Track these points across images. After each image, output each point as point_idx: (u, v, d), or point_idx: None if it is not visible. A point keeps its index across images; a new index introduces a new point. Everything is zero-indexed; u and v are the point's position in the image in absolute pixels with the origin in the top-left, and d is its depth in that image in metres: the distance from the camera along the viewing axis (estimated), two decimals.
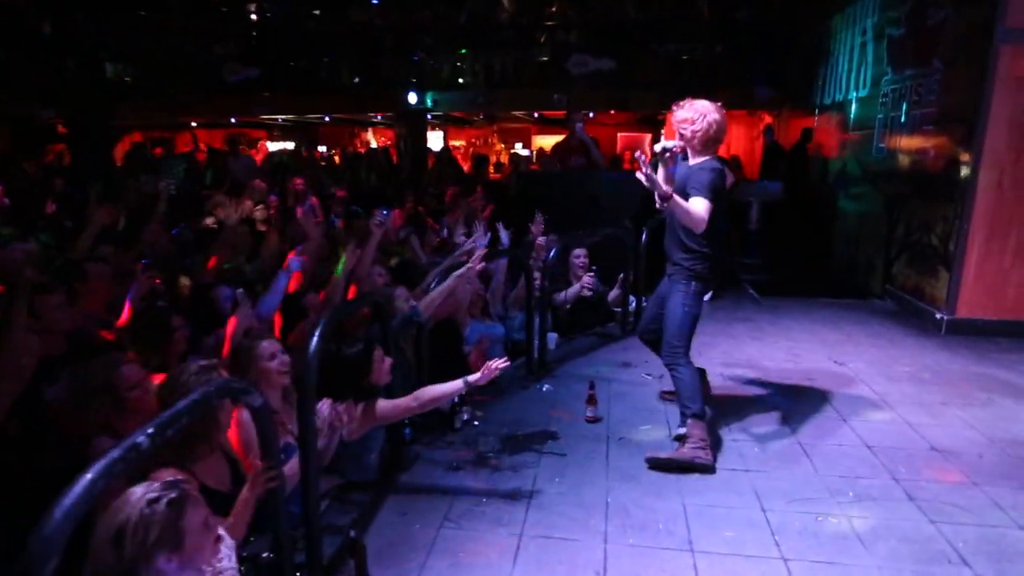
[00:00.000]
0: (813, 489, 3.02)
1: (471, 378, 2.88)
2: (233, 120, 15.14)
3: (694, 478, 3.11)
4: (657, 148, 3.43)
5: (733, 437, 3.55)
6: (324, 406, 2.54)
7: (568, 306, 5.28)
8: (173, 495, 1.55)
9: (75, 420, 2.25)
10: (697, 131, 3.19)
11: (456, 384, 2.92)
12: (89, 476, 1.30)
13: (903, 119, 6.14)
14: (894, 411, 3.87)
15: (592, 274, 5.23)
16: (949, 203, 5.29)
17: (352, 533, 2.46)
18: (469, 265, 3.87)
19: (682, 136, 3.26)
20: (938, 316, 5.34)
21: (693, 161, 3.27)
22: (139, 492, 1.54)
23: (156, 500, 1.51)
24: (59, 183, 6.84)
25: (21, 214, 7.01)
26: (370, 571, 2.43)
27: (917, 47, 5.90)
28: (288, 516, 2.24)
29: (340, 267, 3.59)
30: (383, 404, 2.88)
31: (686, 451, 3.16)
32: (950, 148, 5.33)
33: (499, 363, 2.84)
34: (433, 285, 3.90)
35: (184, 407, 1.60)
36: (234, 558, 1.87)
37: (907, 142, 6.08)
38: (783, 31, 10.47)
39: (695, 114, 3.20)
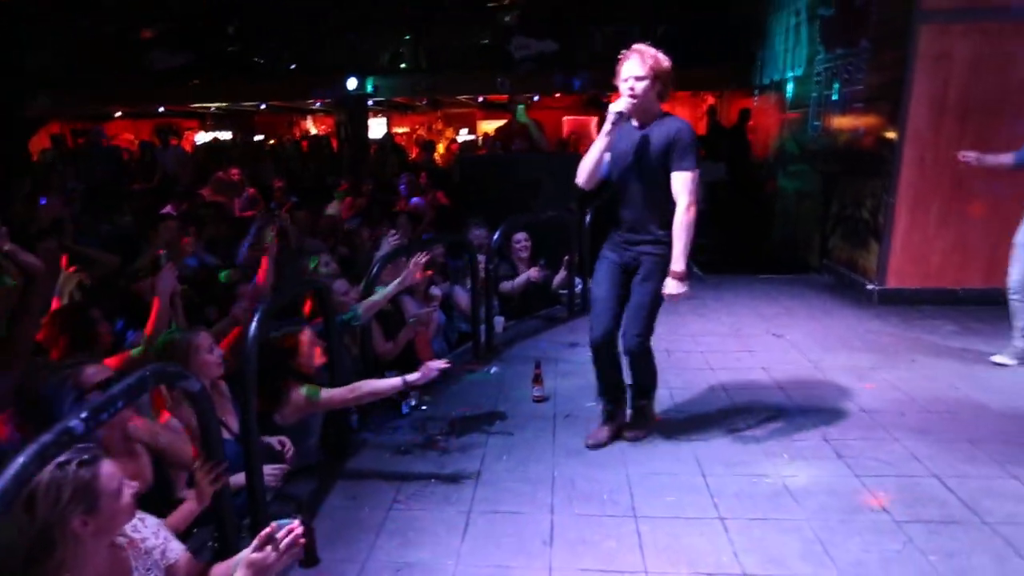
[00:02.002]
0: (750, 453, 3.21)
1: (410, 377, 2.99)
2: (162, 109, 14.65)
3: (638, 449, 3.27)
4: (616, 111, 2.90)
5: (677, 409, 3.73)
6: None
7: (515, 294, 5.39)
8: (84, 456, 1.56)
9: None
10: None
11: (395, 381, 3.03)
12: (21, 460, 1.33)
13: (835, 97, 6.46)
14: (827, 377, 4.13)
15: (539, 267, 5.34)
16: (878, 178, 5.61)
17: (299, 519, 2.51)
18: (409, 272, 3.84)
19: (634, 94, 2.88)
20: (870, 287, 5.67)
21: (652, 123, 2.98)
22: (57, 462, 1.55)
23: (67, 462, 1.52)
24: None
25: None
26: (320, 555, 2.49)
27: (846, 27, 6.21)
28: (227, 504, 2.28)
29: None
30: (318, 392, 2.93)
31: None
32: (877, 125, 5.65)
33: (439, 364, 3.01)
34: (375, 270, 3.92)
35: (118, 391, 1.63)
36: (163, 535, 1.90)
37: (839, 120, 6.41)
38: (723, 12, 10.76)
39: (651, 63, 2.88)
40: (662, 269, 3.00)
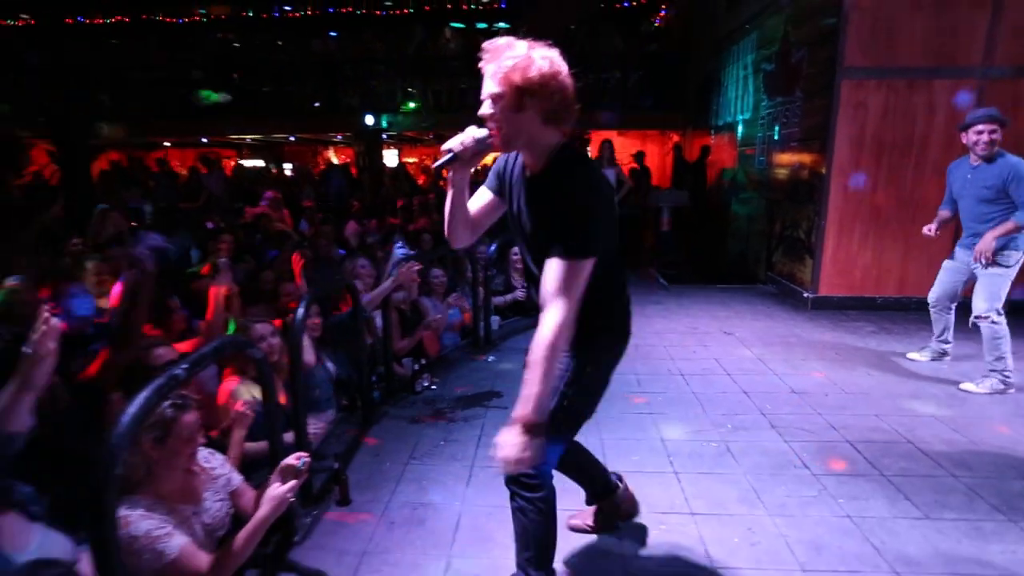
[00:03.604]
0: (701, 424, 3.45)
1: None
2: (204, 140, 14.87)
3: (610, 418, 3.50)
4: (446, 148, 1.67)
5: (642, 389, 3.96)
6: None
7: (504, 307, 5.58)
8: (178, 401, 1.82)
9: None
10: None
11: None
12: (144, 394, 1.57)
13: (776, 137, 6.76)
14: (766, 366, 4.37)
15: (523, 287, 5.54)
16: (811, 204, 5.89)
17: (336, 466, 2.75)
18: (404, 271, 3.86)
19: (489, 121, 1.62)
20: (805, 295, 5.95)
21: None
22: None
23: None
24: (55, 209, 6.83)
25: (8, 227, 6.88)
26: (351, 497, 2.72)
27: (784, 80, 6.52)
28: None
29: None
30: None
31: None
32: (810, 160, 5.94)
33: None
34: (389, 272, 4.14)
35: (208, 352, 1.87)
36: (228, 468, 2.11)
37: (780, 156, 6.70)
38: (685, 63, 11.14)
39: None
40: (574, 371, 1.77)
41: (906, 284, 5.62)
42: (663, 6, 12.52)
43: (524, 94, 1.53)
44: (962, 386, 3.86)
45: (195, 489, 1.98)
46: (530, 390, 1.57)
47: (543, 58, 1.54)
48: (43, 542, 1.62)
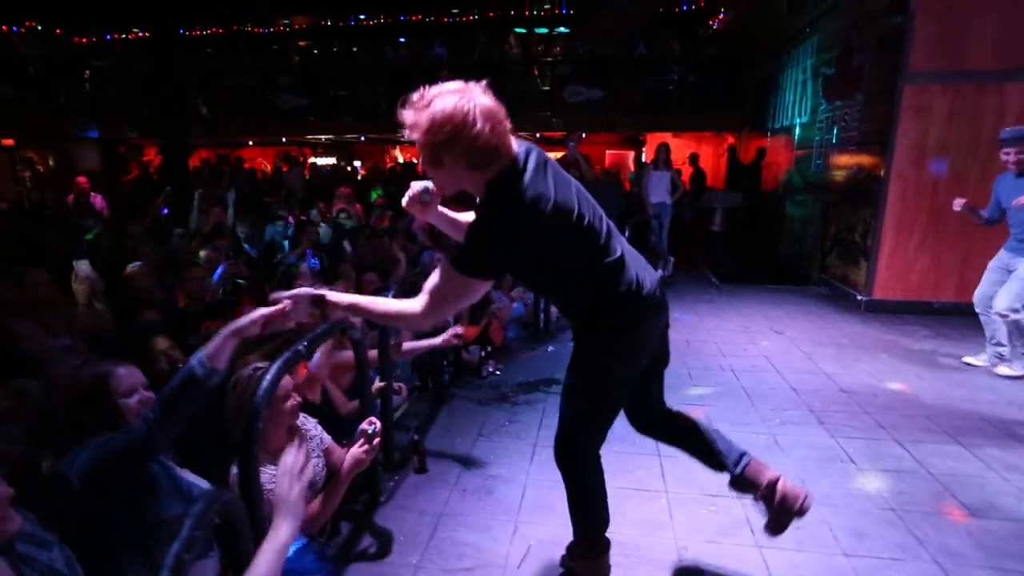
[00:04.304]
0: (749, 417, 3.52)
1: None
2: (284, 140, 15.62)
3: None
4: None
5: (694, 383, 4.06)
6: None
7: None
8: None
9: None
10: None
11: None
12: (277, 365, 1.83)
13: (834, 141, 6.62)
14: (816, 365, 4.37)
15: None
16: (868, 208, 5.77)
17: (416, 437, 3.00)
18: None
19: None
20: (859, 297, 5.83)
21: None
22: (251, 367, 2.04)
23: (257, 369, 2.00)
24: (161, 199, 7.47)
25: (121, 220, 7.57)
26: (428, 466, 2.97)
27: (844, 84, 6.37)
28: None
29: None
30: None
31: None
32: (869, 164, 5.81)
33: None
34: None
35: (322, 331, 2.13)
36: (320, 429, 2.35)
37: (837, 159, 6.56)
38: (742, 66, 10.92)
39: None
40: (585, 357, 1.86)
41: (966, 289, 5.37)
42: (722, 9, 12.28)
43: (435, 150, 1.52)
44: (964, 359, 4.13)
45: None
46: (355, 302, 1.69)
47: (449, 108, 1.47)
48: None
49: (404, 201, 1.81)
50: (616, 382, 1.87)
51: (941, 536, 2.39)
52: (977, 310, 4.20)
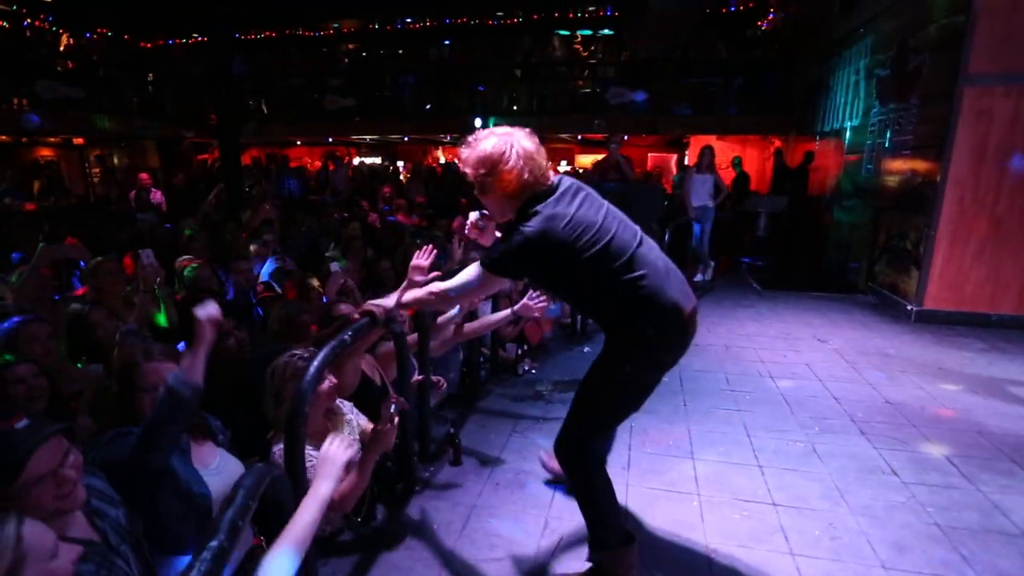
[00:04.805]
0: (788, 424, 3.46)
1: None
2: (330, 140, 16.07)
3: (698, 411, 3.59)
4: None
5: (731, 388, 4.00)
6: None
7: None
8: (304, 355, 2.13)
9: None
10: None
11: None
12: (324, 351, 1.92)
13: (887, 145, 6.38)
14: (860, 375, 4.24)
15: None
16: (921, 215, 5.55)
17: (451, 430, 3.06)
18: None
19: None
20: (909, 307, 5.62)
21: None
22: (288, 355, 2.15)
23: (293, 356, 2.11)
24: (214, 195, 7.83)
25: (178, 213, 7.96)
26: (462, 459, 3.03)
27: (899, 86, 6.14)
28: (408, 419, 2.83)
29: None
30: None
31: None
32: (923, 169, 5.59)
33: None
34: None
35: (365, 323, 2.22)
36: (355, 412, 2.41)
37: (889, 164, 6.33)
38: (791, 68, 10.65)
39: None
40: (607, 363, 2.00)
41: None
42: (771, 10, 11.98)
43: (480, 180, 1.90)
44: None
45: (331, 431, 2.33)
46: (417, 297, 2.18)
47: (491, 149, 1.86)
48: (221, 462, 1.94)
49: (465, 229, 2.16)
50: (631, 392, 2.02)
51: (989, 556, 2.30)
52: None
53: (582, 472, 2.07)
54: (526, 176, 1.85)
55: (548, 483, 2.82)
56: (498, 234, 2.14)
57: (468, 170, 1.91)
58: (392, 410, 2.23)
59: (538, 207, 1.84)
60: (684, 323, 1.91)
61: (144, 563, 1.48)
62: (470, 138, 1.92)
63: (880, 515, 2.56)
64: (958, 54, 5.01)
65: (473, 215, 2.13)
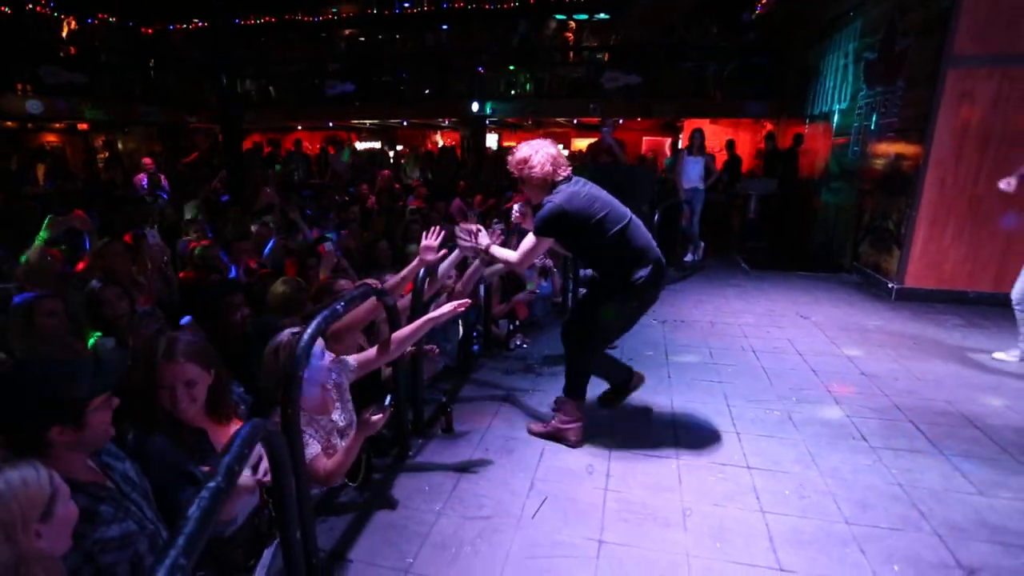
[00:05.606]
0: (766, 395, 3.55)
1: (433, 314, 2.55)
2: (331, 124, 15.99)
3: (682, 384, 3.68)
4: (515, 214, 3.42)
5: (714, 361, 4.09)
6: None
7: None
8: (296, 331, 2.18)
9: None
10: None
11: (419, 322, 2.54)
12: (315, 322, 1.99)
13: (873, 127, 6.40)
14: (839, 349, 4.32)
15: None
16: (903, 196, 5.59)
17: (443, 399, 3.15)
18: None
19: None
20: (890, 285, 5.69)
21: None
22: (288, 331, 2.17)
23: (296, 333, 2.12)
24: (218, 179, 7.87)
25: (180, 197, 8.00)
26: (455, 427, 3.12)
27: (886, 69, 6.14)
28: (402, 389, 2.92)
29: None
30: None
31: None
32: (907, 152, 5.62)
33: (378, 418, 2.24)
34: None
35: (357, 294, 2.29)
36: (352, 375, 2.46)
37: (875, 146, 6.35)
38: (783, 52, 10.59)
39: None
40: (600, 297, 2.83)
41: (1005, 280, 5.19)
42: None
43: (520, 176, 2.77)
44: (995, 355, 4.02)
45: (327, 403, 2.40)
46: (497, 253, 2.89)
47: (524, 153, 2.73)
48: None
49: (512, 215, 3.29)
50: (608, 319, 2.85)
51: (945, 512, 2.40)
52: (1016, 306, 4.01)
53: (584, 368, 3.00)
54: (548, 170, 2.70)
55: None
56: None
57: (512, 169, 2.76)
58: (386, 404, 2.29)
59: (559, 188, 2.70)
60: (663, 270, 2.76)
61: (153, 511, 1.57)
62: (513, 148, 2.79)
63: (847, 477, 2.66)
64: (943, 36, 5.01)
65: (516, 207, 3.17)
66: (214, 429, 1.88)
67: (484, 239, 2.87)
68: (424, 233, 2.94)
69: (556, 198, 2.65)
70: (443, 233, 2.92)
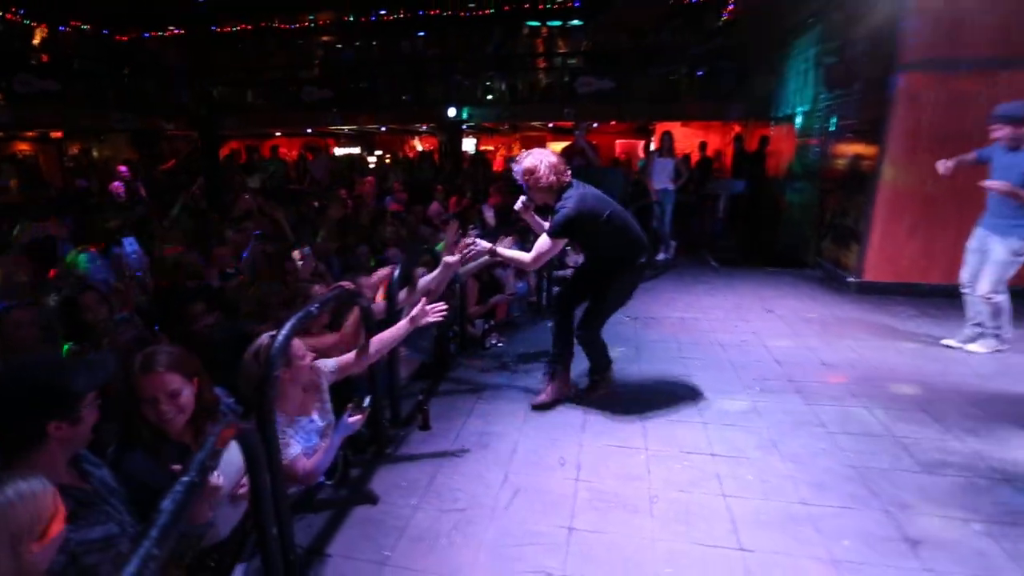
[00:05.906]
0: (732, 386, 3.65)
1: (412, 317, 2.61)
2: (309, 131, 15.87)
3: (651, 378, 3.77)
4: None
5: (682, 355, 4.19)
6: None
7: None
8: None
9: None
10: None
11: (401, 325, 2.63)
12: (290, 323, 2.02)
13: (832, 129, 6.60)
14: (801, 340, 4.46)
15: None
16: (861, 194, 5.77)
17: (420, 397, 3.19)
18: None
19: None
20: (850, 279, 5.87)
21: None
22: (267, 334, 2.16)
23: (274, 336, 2.12)
24: (196, 186, 7.79)
25: (159, 203, 7.89)
26: (431, 424, 3.16)
27: (844, 73, 6.34)
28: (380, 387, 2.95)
29: None
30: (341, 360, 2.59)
31: None
32: (863, 152, 5.81)
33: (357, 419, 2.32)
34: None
35: (331, 296, 2.32)
36: (332, 376, 2.50)
37: (835, 147, 6.54)
38: (749, 56, 10.82)
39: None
40: (605, 278, 3.23)
41: (954, 272, 5.36)
42: (731, 0, 12.12)
43: (526, 183, 3.08)
44: (968, 347, 4.17)
45: (308, 405, 2.43)
46: (507, 253, 3.28)
47: (529, 164, 3.04)
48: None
49: (516, 206, 3.26)
50: (615, 296, 3.26)
51: (894, 489, 2.51)
52: (963, 289, 4.22)
53: (594, 344, 3.38)
54: (552, 178, 3.01)
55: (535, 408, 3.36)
56: (534, 216, 3.35)
57: (518, 177, 3.07)
58: (364, 404, 2.31)
59: (568, 193, 3.00)
60: (651, 253, 3.06)
61: (132, 515, 1.59)
62: (518, 157, 3.11)
63: (806, 461, 2.77)
64: (892, 42, 5.20)
65: (520, 200, 3.20)
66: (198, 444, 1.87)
67: (483, 244, 3.18)
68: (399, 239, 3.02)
69: (569, 203, 2.95)
70: (470, 246, 3.20)
